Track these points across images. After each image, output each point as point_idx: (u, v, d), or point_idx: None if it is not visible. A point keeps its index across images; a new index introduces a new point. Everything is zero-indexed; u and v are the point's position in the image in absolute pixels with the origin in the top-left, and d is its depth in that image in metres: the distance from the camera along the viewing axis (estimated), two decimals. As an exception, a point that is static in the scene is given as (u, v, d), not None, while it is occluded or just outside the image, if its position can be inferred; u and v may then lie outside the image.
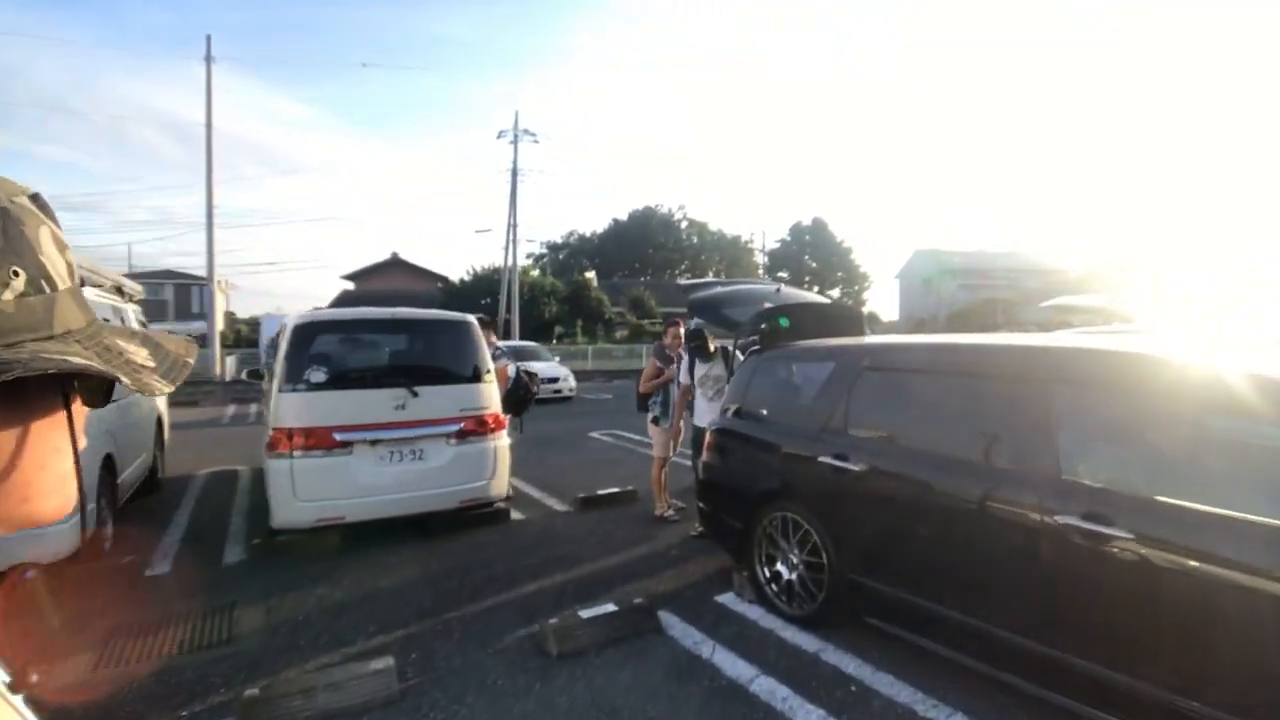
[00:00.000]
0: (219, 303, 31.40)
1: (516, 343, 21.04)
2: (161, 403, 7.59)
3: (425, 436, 5.24)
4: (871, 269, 57.82)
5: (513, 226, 31.22)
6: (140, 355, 0.50)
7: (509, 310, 30.78)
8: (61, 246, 0.48)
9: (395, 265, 43.28)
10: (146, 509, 6.32)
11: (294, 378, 4.99)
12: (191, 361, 0.55)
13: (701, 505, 4.76)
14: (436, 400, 5.31)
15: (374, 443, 5.06)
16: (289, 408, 4.93)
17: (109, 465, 5.31)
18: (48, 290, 0.45)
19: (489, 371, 5.66)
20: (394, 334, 5.84)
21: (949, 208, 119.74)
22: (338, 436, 4.94)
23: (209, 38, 22.16)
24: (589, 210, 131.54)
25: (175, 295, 38.89)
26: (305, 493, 4.88)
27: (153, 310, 30.35)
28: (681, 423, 5.99)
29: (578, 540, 5.33)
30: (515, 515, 6.11)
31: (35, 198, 0.48)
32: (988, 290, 47.97)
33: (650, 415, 6.09)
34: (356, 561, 4.91)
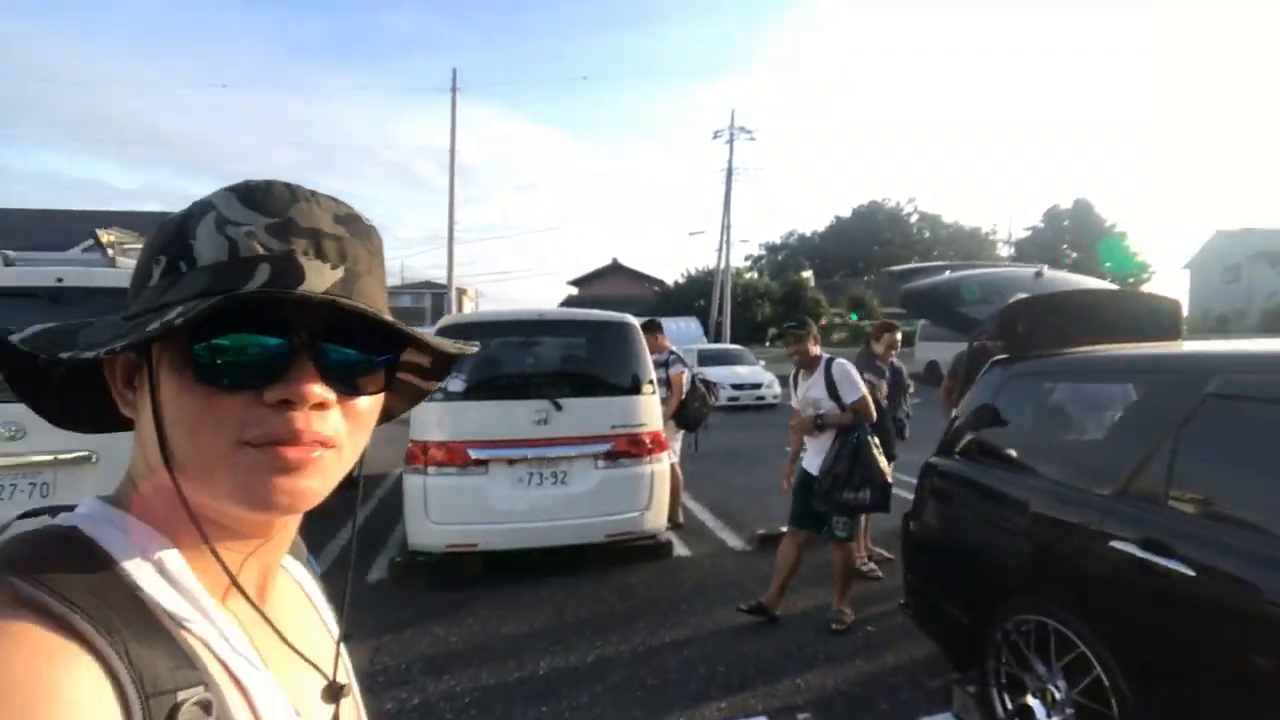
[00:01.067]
0: (466, 308, 34.83)
1: (718, 345, 20.22)
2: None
3: (569, 457, 4.50)
4: (1150, 258, 47.64)
5: (726, 228, 30.55)
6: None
7: (720, 313, 30.09)
8: (223, 225, 0.48)
9: (615, 270, 45.05)
10: (330, 507, 6.38)
11: (431, 385, 4.54)
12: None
13: (909, 576, 3.40)
14: (584, 414, 4.55)
15: (511, 462, 4.43)
16: (425, 418, 4.47)
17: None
18: (182, 270, 0.48)
19: (650, 382, 4.78)
20: (541, 337, 5.19)
21: (1254, 181, 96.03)
22: (473, 453, 4.38)
23: (454, 71, 24.57)
24: (809, 208, 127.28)
25: (431, 303, 44.10)
26: (438, 514, 4.38)
27: (413, 316, 34.67)
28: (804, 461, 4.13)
29: (746, 593, 4.23)
30: (679, 550, 5.16)
31: (244, 188, 0.50)
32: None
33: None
34: (487, 597, 4.30)
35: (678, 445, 5.85)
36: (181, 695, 0.41)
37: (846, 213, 59.54)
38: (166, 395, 0.47)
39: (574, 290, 45.71)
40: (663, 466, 4.73)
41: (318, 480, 0.49)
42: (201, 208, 0.49)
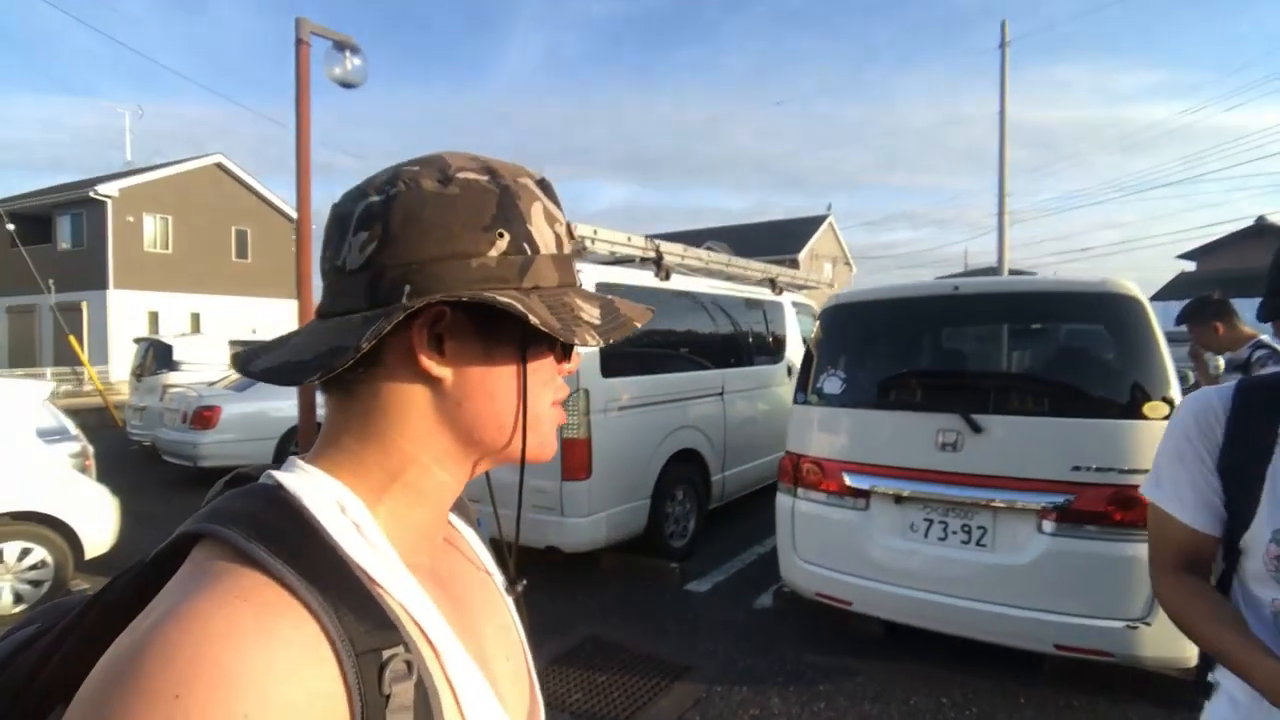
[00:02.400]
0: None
1: None
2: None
3: (990, 505, 2.89)
4: None
5: None
6: (589, 313, 0.54)
7: None
8: (551, 220, 0.54)
9: (1259, 234, 32.30)
10: (748, 515, 5.92)
11: (807, 384, 3.53)
12: (638, 324, 0.57)
13: None
14: (1021, 443, 2.86)
15: (900, 499, 3.09)
16: (798, 425, 3.52)
17: (698, 461, 5.13)
18: (529, 252, 0.52)
19: (1167, 400, 2.72)
20: (958, 321, 3.52)
21: None
22: (849, 479, 3.22)
23: (1004, 23, 21.15)
24: None
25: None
26: (806, 549, 3.39)
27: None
28: None
29: None
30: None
31: (541, 182, 0.56)
32: None
33: None
34: (884, 670, 3.11)
35: None
36: (386, 654, 0.43)
37: None
38: (526, 360, 0.53)
39: (1188, 265, 34.70)
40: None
41: None
42: (524, 191, 0.53)
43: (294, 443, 8.02)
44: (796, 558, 3.42)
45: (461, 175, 0.50)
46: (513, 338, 0.52)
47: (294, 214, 26.79)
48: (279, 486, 0.48)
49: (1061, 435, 2.79)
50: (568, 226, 0.57)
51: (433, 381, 0.51)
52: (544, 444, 0.57)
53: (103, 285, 21.34)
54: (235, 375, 8.51)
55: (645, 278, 4.86)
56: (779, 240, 33.22)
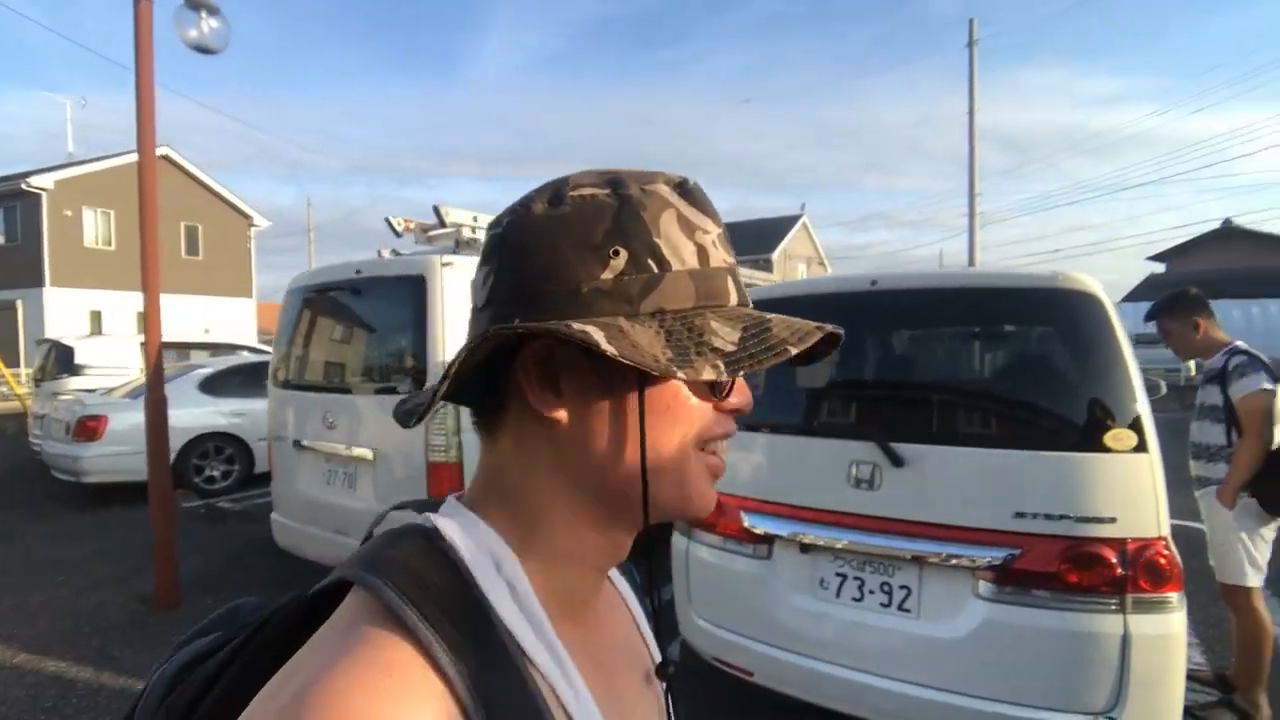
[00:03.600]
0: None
1: None
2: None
3: (914, 558, 2.27)
4: None
5: None
6: (725, 338, 0.44)
7: None
8: (691, 230, 0.47)
9: (1226, 236, 32.42)
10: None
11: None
12: (793, 349, 0.45)
13: None
14: (954, 480, 2.24)
15: (805, 547, 2.46)
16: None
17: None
18: (654, 270, 0.45)
19: (1137, 427, 2.11)
20: (891, 325, 2.85)
21: None
22: (749, 520, 2.58)
23: (972, 22, 20.79)
24: None
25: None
26: (702, 604, 2.76)
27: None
28: None
29: None
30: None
31: (681, 185, 0.48)
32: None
33: None
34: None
35: (1258, 550, 2.79)
36: None
37: None
38: (653, 402, 0.46)
39: (1158, 267, 34.70)
40: (1160, 627, 2.02)
41: None
42: (651, 199, 0.46)
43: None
44: (692, 613, 2.79)
45: (576, 193, 0.46)
46: (635, 373, 0.44)
47: (251, 211, 25.80)
48: (437, 533, 0.46)
49: (1003, 471, 2.18)
50: (714, 234, 0.48)
51: (550, 425, 0.46)
52: (689, 498, 0.48)
53: (38, 283, 20.27)
54: (138, 380, 7.76)
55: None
56: (751, 241, 32.74)
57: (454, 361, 0.43)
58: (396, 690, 0.36)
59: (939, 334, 2.80)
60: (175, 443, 7.34)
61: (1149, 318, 3.12)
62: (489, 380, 0.48)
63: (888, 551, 2.29)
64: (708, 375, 0.42)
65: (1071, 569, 2.04)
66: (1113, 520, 2.04)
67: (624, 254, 0.44)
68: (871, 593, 2.34)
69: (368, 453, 3.71)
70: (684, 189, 0.48)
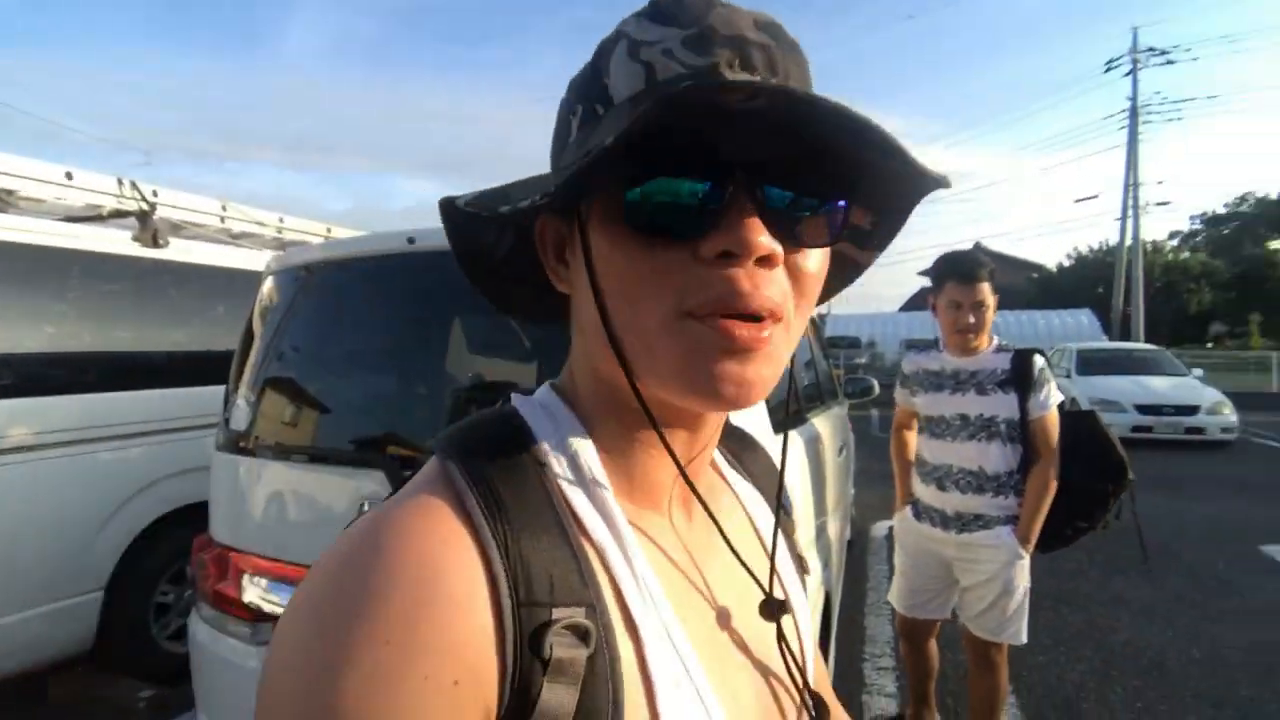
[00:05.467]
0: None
1: (1116, 345, 14.08)
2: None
3: None
4: None
5: (1132, 186, 22.22)
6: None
7: (1128, 301, 22.03)
8: (636, 51, 0.41)
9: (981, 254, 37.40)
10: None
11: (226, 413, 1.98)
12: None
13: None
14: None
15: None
16: (213, 484, 1.96)
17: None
18: (600, 113, 0.43)
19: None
20: (425, 303, 1.70)
21: None
22: (246, 585, 1.69)
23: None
24: (1270, 159, 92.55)
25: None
26: (216, 713, 1.81)
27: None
28: None
29: None
30: None
31: (652, 5, 0.43)
32: None
33: None
34: None
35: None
36: (557, 613, 0.36)
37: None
38: (600, 260, 0.41)
39: (927, 282, 39.10)
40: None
41: (769, 367, 0.40)
42: (612, 40, 0.42)
43: None
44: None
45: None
46: (580, 233, 0.42)
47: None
48: (513, 408, 0.46)
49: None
50: (672, 42, 0.39)
51: (568, 301, 0.46)
52: (689, 380, 0.39)
53: None
54: None
55: (116, 241, 3.06)
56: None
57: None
58: (426, 530, 0.36)
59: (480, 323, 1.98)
60: None
61: (967, 279, 2.19)
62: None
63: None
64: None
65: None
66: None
67: (580, 110, 0.43)
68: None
69: None
70: (656, 7, 0.41)
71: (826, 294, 0.52)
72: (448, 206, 0.43)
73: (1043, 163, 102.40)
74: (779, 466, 0.55)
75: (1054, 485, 2.15)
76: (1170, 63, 22.48)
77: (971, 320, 2.17)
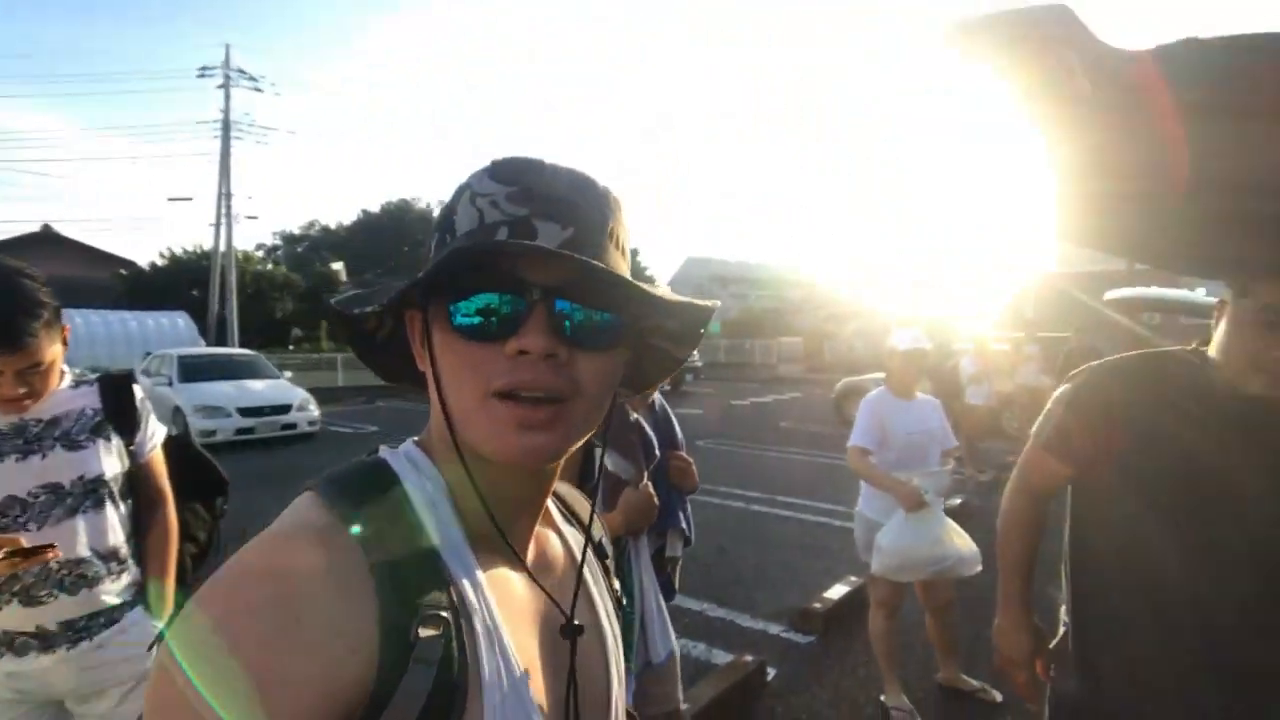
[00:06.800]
0: None
1: (218, 351, 14.61)
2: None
3: None
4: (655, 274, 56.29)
5: (225, 196, 23.45)
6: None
7: (224, 305, 22.97)
8: (475, 198, 0.57)
9: (50, 241, 31.30)
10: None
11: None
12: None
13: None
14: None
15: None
16: None
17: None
18: (447, 241, 0.59)
19: None
20: None
21: (714, 216, 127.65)
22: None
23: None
24: (335, 202, 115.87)
25: None
26: None
27: None
28: None
29: None
30: None
31: (493, 165, 0.59)
32: (757, 300, 49.56)
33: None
34: None
35: None
36: (425, 609, 0.49)
37: (375, 208, 54.01)
38: (438, 350, 0.55)
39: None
40: None
41: (555, 436, 0.53)
42: (465, 187, 0.56)
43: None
44: None
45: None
46: (423, 328, 0.57)
47: None
48: (382, 458, 0.58)
49: None
50: (499, 195, 0.55)
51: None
52: (492, 448, 0.53)
53: None
54: None
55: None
56: None
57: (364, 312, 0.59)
58: (310, 540, 0.48)
59: None
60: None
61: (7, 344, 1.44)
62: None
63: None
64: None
65: None
66: None
67: (437, 237, 0.58)
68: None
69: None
70: (495, 167, 0.56)
71: (651, 380, 0.71)
72: (333, 305, 0.60)
73: (134, 151, 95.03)
74: (588, 518, 0.74)
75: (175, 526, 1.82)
76: (259, 90, 24.61)
77: (22, 391, 1.51)
